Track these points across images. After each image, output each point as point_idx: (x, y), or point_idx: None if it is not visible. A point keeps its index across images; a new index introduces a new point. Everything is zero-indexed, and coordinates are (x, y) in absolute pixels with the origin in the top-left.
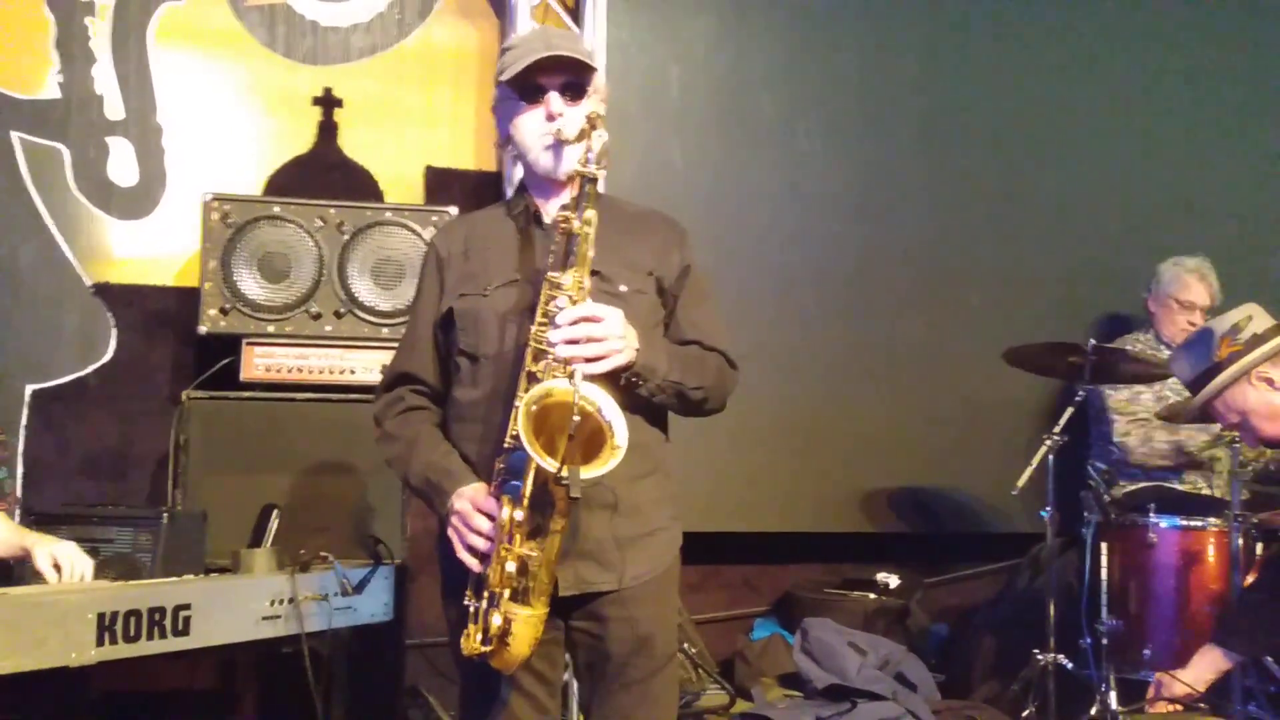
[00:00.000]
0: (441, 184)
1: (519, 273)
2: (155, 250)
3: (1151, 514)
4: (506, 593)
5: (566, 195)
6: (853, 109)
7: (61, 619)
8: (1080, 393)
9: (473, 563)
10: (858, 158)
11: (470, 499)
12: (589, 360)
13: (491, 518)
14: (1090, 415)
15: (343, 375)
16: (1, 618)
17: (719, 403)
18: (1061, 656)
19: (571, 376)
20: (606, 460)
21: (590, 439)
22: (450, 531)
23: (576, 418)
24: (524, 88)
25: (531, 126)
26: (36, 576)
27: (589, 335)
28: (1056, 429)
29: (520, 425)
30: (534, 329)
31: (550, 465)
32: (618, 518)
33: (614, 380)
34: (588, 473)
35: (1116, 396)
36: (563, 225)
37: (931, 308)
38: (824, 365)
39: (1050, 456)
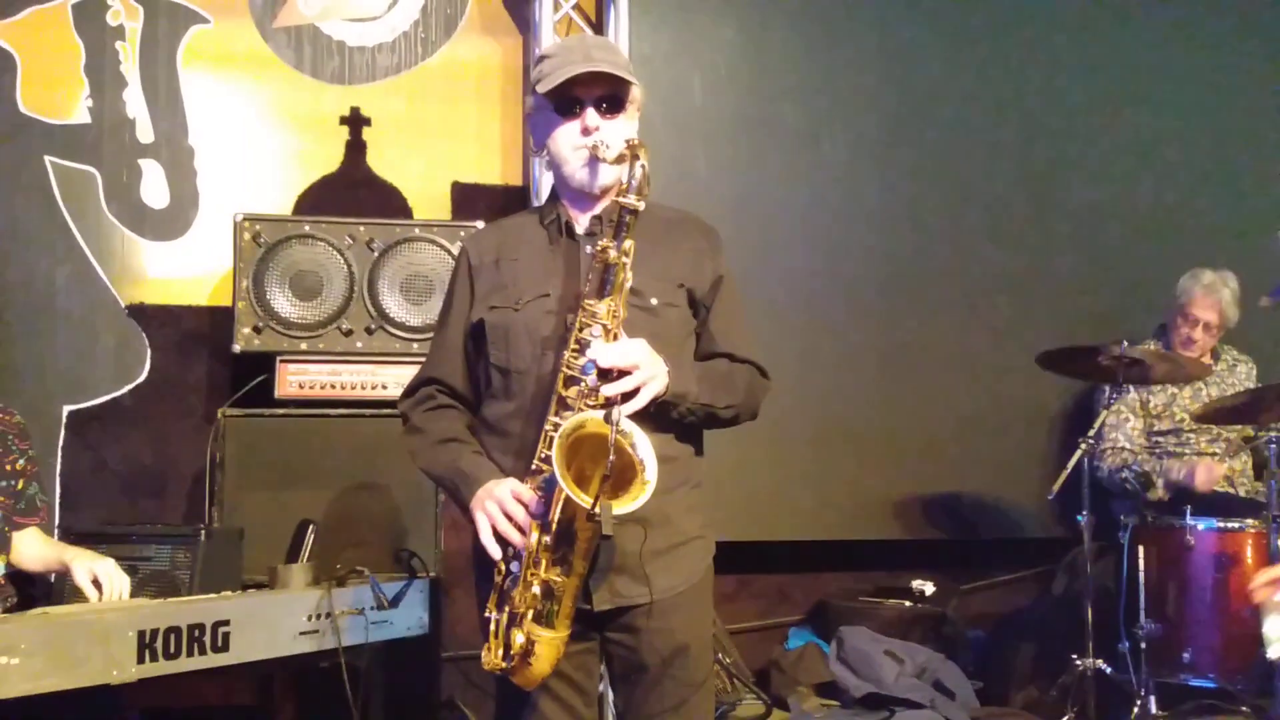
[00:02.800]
0: (468, 199)
1: (550, 287)
2: (188, 270)
3: (1188, 516)
4: (530, 613)
5: (599, 207)
6: (878, 116)
7: (103, 637)
8: (1114, 396)
9: (494, 549)
10: (884, 165)
11: (512, 489)
12: (626, 396)
13: (528, 507)
14: None
15: (375, 391)
16: (44, 637)
17: (750, 415)
18: (1100, 661)
19: (609, 414)
20: (637, 495)
21: (621, 472)
22: (480, 515)
23: (612, 458)
24: (560, 100)
25: (568, 139)
26: (76, 593)
27: (623, 370)
28: (1091, 433)
29: (555, 460)
30: (567, 355)
31: (584, 501)
32: (650, 530)
33: (644, 407)
34: (619, 508)
35: (1108, 421)
36: (600, 255)
37: (961, 313)
38: (854, 373)
39: (1085, 460)
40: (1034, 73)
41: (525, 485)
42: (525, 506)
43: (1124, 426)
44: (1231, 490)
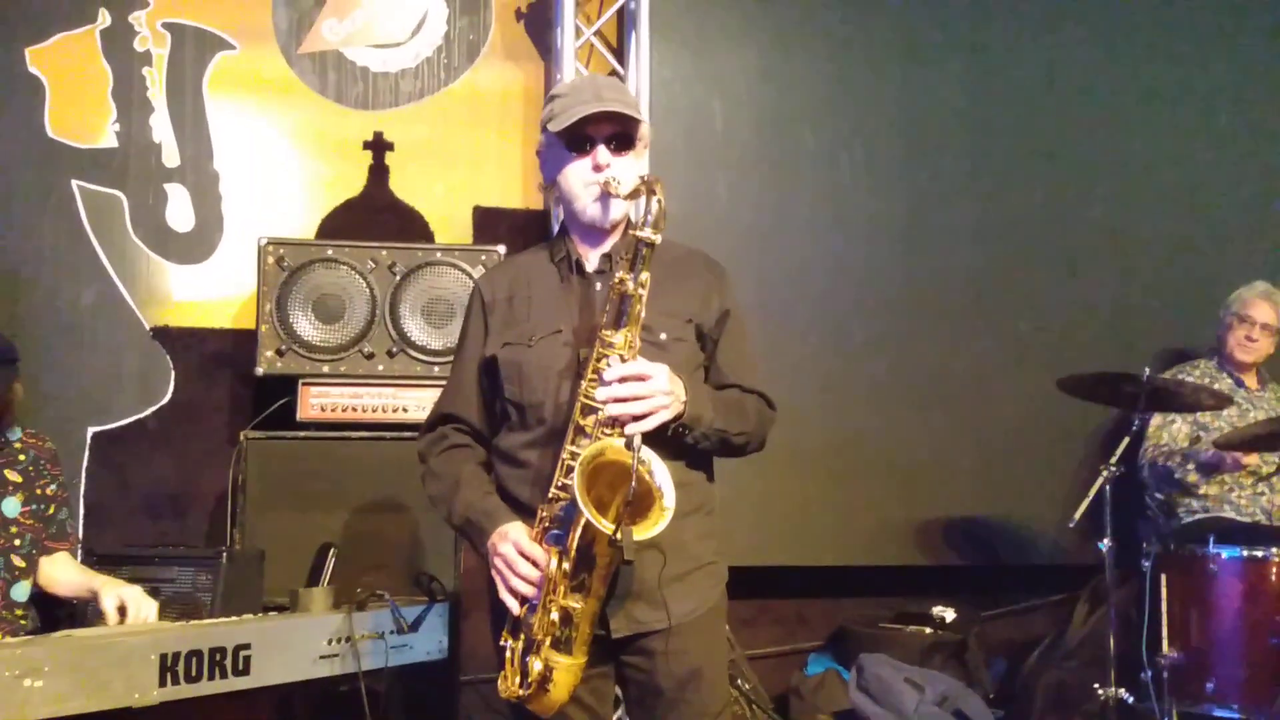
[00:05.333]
0: (489, 223)
1: (562, 324)
2: (212, 293)
3: (1212, 544)
4: (548, 640)
5: (609, 243)
6: (896, 139)
7: (124, 660)
8: (1136, 422)
9: (513, 604)
10: (902, 187)
11: (515, 542)
12: (636, 418)
13: (536, 563)
14: None
15: (396, 414)
16: (66, 660)
17: (758, 445)
18: (1123, 690)
19: (629, 442)
20: (656, 522)
21: (640, 499)
22: (493, 573)
23: (634, 484)
24: (572, 138)
25: (579, 176)
26: (100, 615)
27: (635, 394)
28: (1113, 459)
29: (576, 487)
30: (584, 384)
31: (606, 528)
32: (665, 556)
33: (661, 429)
34: (639, 534)
35: (1154, 422)
36: (618, 287)
37: (981, 336)
38: (874, 395)
39: (1107, 487)
40: (1055, 94)
41: (530, 536)
42: (531, 560)
43: (1169, 428)
44: (1267, 521)
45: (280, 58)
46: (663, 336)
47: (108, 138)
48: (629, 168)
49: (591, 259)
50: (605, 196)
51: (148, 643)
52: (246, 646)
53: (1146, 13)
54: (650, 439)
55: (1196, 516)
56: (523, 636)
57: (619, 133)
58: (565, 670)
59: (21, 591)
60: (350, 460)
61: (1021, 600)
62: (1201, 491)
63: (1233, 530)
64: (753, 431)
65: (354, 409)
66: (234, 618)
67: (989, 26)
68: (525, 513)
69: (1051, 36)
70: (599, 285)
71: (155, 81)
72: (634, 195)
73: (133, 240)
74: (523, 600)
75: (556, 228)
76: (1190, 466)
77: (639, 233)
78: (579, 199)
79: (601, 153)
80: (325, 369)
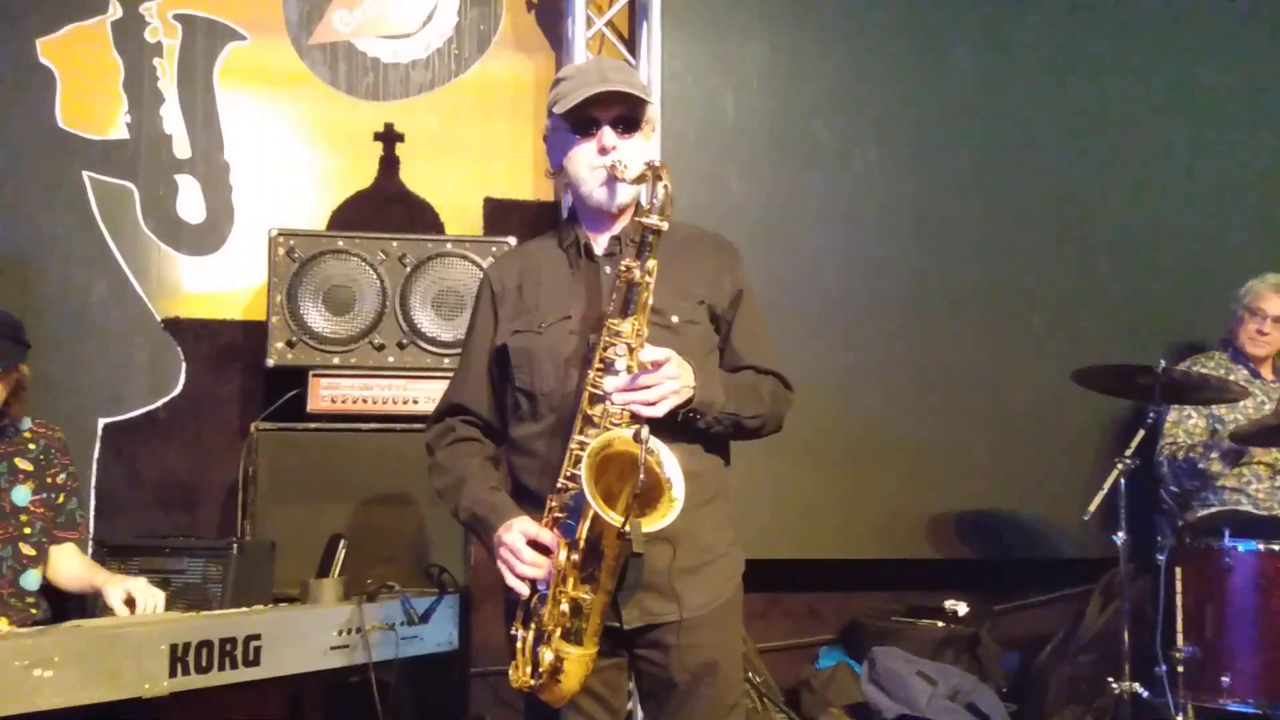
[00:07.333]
0: (500, 215)
1: (572, 309)
2: (223, 285)
3: (1227, 537)
4: (559, 631)
5: (617, 227)
6: (908, 131)
7: (135, 650)
8: (1151, 414)
9: (521, 588)
10: (914, 180)
11: (522, 530)
12: (646, 405)
13: (545, 549)
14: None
15: (406, 405)
16: (77, 650)
17: (775, 426)
18: (1137, 685)
19: (637, 434)
20: (665, 513)
21: (649, 490)
22: (499, 563)
23: (643, 476)
24: (577, 120)
25: (585, 159)
26: (109, 612)
27: (644, 381)
28: (1128, 452)
29: (584, 479)
30: (591, 374)
31: (614, 520)
32: (679, 548)
33: (671, 415)
34: (648, 526)
35: (1169, 417)
36: (625, 274)
37: (993, 329)
38: (886, 388)
39: (1122, 480)
40: (1069, 87)
41: (536, 524)
42: (539, 545)
43: (1185, 423)
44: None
45: (291, 49)
46: (674, 319)
47: (119, 129)
48: (636, 150)
49: (600, 243)
50: (611, 180)
51: (158, 633)
52: (257, 637)
53: (1160, 6)
54: (662, 425)
55: (1212, 509)
56: (533, 627)
57: (625, 114)
58: (576, 661)
59: (32, 580)
60: (360, 452)
61: (1035, 594)
62: (1220, 484)
63: (1248, 523)
64: (767, 414)
65: (364, 401)
66: (244, 608)
67: (1002, 19)
68: (537, 503)
69: (1065, 30)
70: (608, 269)
71: (166, 73)
72: (640, 180)
73: (144, 231)
74: (532, 586)
75: (565, 215)
76: (1214, 455)
77: (646, 219)
78: (585, 183)
79: (607, 134)
80: (335, 360)
